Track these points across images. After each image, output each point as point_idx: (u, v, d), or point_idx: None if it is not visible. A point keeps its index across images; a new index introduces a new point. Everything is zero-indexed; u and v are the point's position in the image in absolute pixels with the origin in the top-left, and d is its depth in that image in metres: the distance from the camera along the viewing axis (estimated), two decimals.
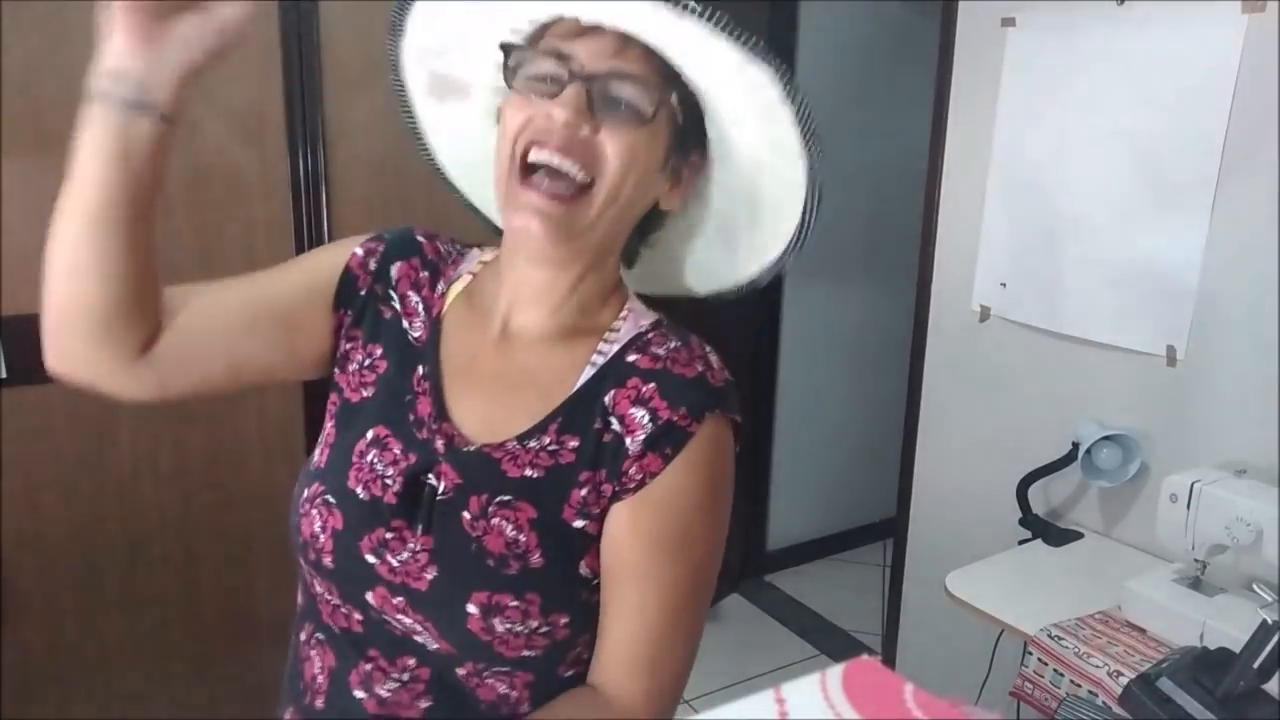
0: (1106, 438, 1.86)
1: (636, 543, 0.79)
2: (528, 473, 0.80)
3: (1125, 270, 1.86)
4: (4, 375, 1.73)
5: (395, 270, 0.88)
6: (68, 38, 1.68)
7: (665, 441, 0.79)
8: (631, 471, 0.79)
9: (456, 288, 0.89)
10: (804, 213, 0.82)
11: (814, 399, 3.42)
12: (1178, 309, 1.78)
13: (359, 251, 0.88)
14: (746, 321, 3.21)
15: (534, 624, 0.78)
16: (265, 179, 1.90)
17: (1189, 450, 1.78)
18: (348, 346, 0.88)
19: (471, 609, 0.77)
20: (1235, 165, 1.67)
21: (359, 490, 0.81)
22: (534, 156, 0.75)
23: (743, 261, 0.90)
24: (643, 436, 0.79)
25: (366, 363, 0.87)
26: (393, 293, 0.88)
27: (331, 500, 0.82)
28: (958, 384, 2.25)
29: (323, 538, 0.81)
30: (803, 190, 0.81)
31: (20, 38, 1.64)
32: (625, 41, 0.75)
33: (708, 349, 0.86)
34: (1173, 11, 1.72)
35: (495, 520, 0.79)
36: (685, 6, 0.69)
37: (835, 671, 0.32)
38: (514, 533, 0.78)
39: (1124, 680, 1.31)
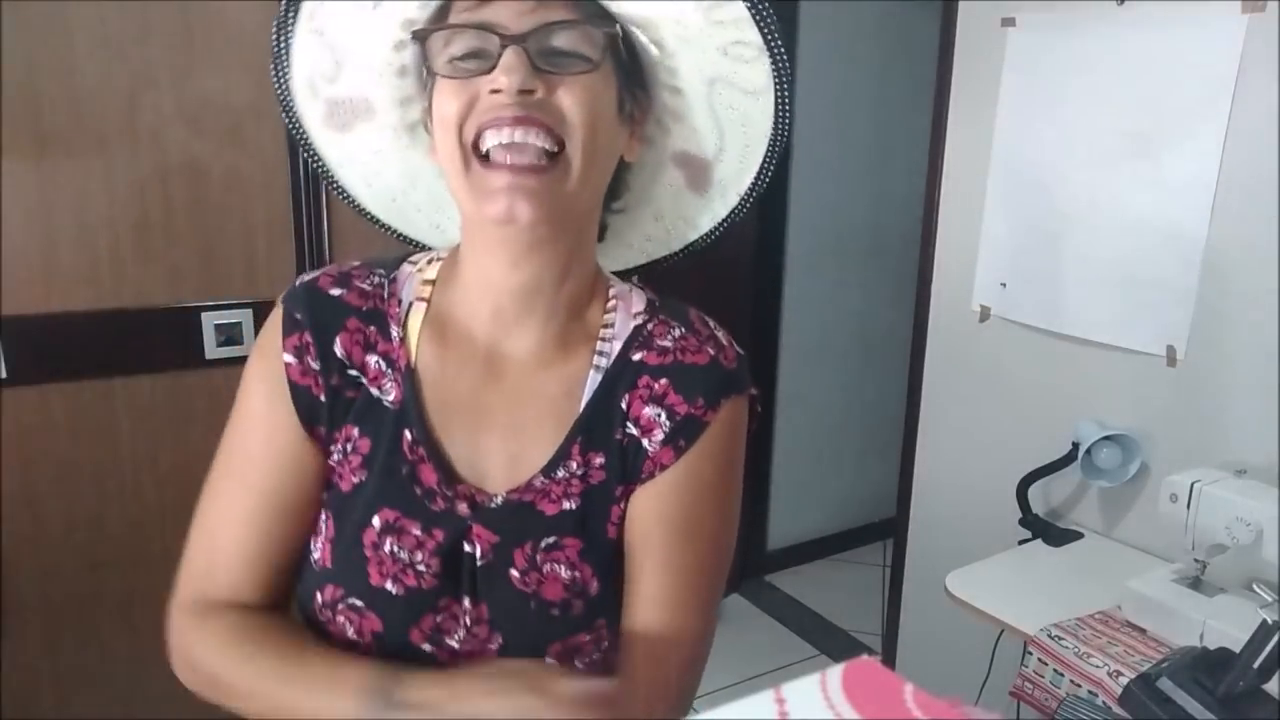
0: (1106, 438, 1.86)
1: (648, 531, 0.77)
2: (566, 506, 0.76)
3: (1125, 270, 1.86)
4: (4, 375, 1.73)
5: (338, 347, 0.76)
6: (68, 38, 1.67)
7: (681, 435, 0.76)
8: (645, 466, 0.76)
9: (414, 324, 0.78)
10: (777, 113, 0.77)
11: (814, 399, 3.42)
12: (1178, 309, 1.78)
13: (289, 360, 0.76)
14: (746, 321, 3.21)
15: (605, 645, 0.77)
16: (265, 179, 1.90)
17: (1189, 450, 1.78)
18: (330, 446, 0.78)
19: (550, 661, 0.75)
20: (1235, 165, 1.67)
21: (389, 585, 0.74)
22: (489, 141, 0.68)
23: (716, 198, 0.85)
24: (660, 436, 0.76)
25: (348, 448, 0.77)
26: (350, 371, 0.77)
27: (358, 603, 0.75)
28: (958, 384, 2.25)
29: (363, 643, 0.75)
30: (771, 90, 0.75)
31: (20, 38, 1.64)
32: None
33: (712, 325, 0.82)
34: (1173, 11, 1.72)
35: (547, 567, 0.75)
36: None
37: (835, 671, 0.32)
38: (569, 572, 0.75)
39: (1124, 680, 1.31)
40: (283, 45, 0.77)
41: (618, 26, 0.71)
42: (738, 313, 3.18)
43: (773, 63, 0.73)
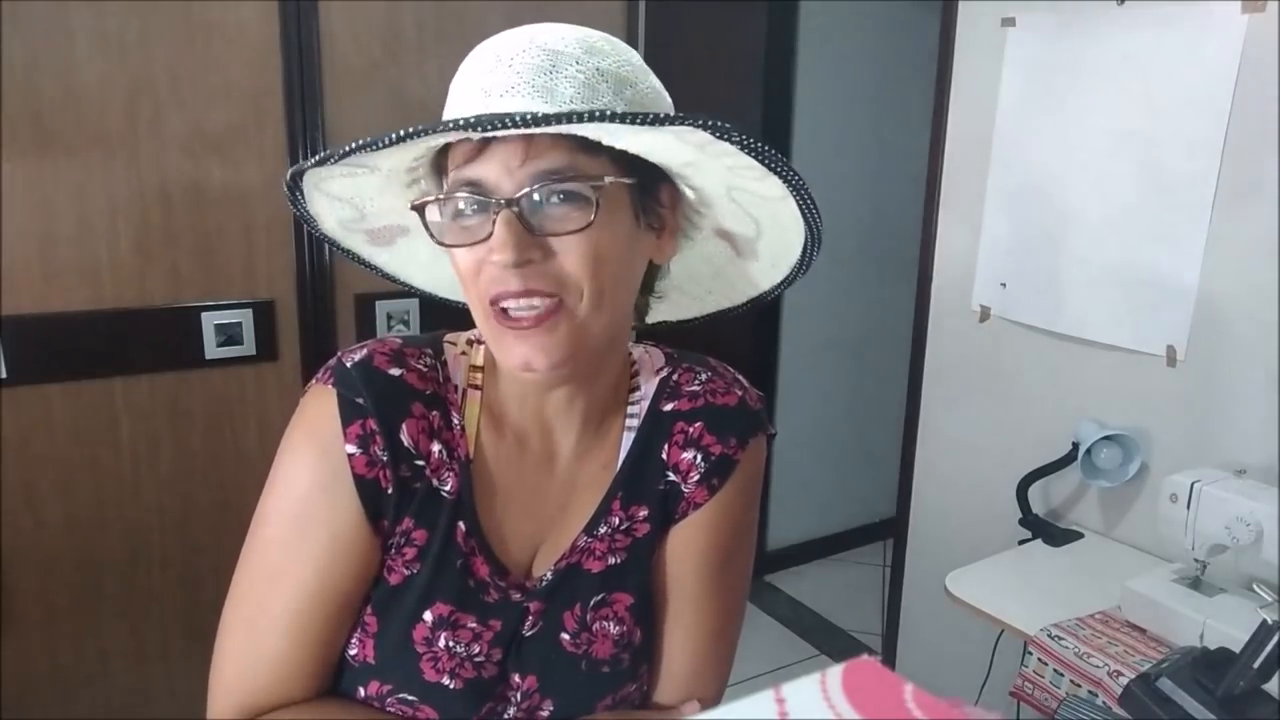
0: (1106, 438, 1.86)
1: (684, 568, 0.80)
2: (611, 561, 0.78)
3: (1125, 270, 1.86)
4: (4, 375, 1.73)
5: (405, 435, 0.73)
6: (68, 38, 1.67)
7: (715, 474, 0.80)
8: (681, 506, 0.80)
9: (471, 413, 0.77)
10: (804, 213, 0.72)
11: (814, 399, 3.42)
12: (1178, 309, 1.78)
13: (353, 451, 0.72)
14: (746, 321, 3.21)
15: (645, 689, 0.80)
16: (265, 179, 1.90)
17: (1189, 450, 1.78)
18: (389, 540, 0.76)
19: (601, 716, 0.77)
20: (1235, 165, 1.67)
21: (446, 680, 0.73)
22: (503, 305, 0.68)
23: (768, 265, 0.82)
24: (696, 477, 0.79)
25: (401, 541, 0.74)
26: (418, 461, 0.74)
27: (411, 698, 0.74)
28: (958, 384, 2.25)
29: None
30: (790, 197, 0.70)
31: (20, 38, 1.64)
32: (529, 137, 0.65)
33: (731, 369, 0.86)
34: (1173, 12, 1.72)
35: (597, 625, 0.77)
36: (572, 118, 0.59)
37: (835, 671, 0.32)
38: (618, 628, 0.77)
39: (1124, 680, 1.31)
40: (301, 209, 0.77)
41: (606, 178, 0.66)
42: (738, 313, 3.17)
43: (783, 180, 0.67)
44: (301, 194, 0.76)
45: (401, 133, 0.61)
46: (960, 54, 2.15)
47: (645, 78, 0.72)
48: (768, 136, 3.06)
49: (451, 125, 0.60)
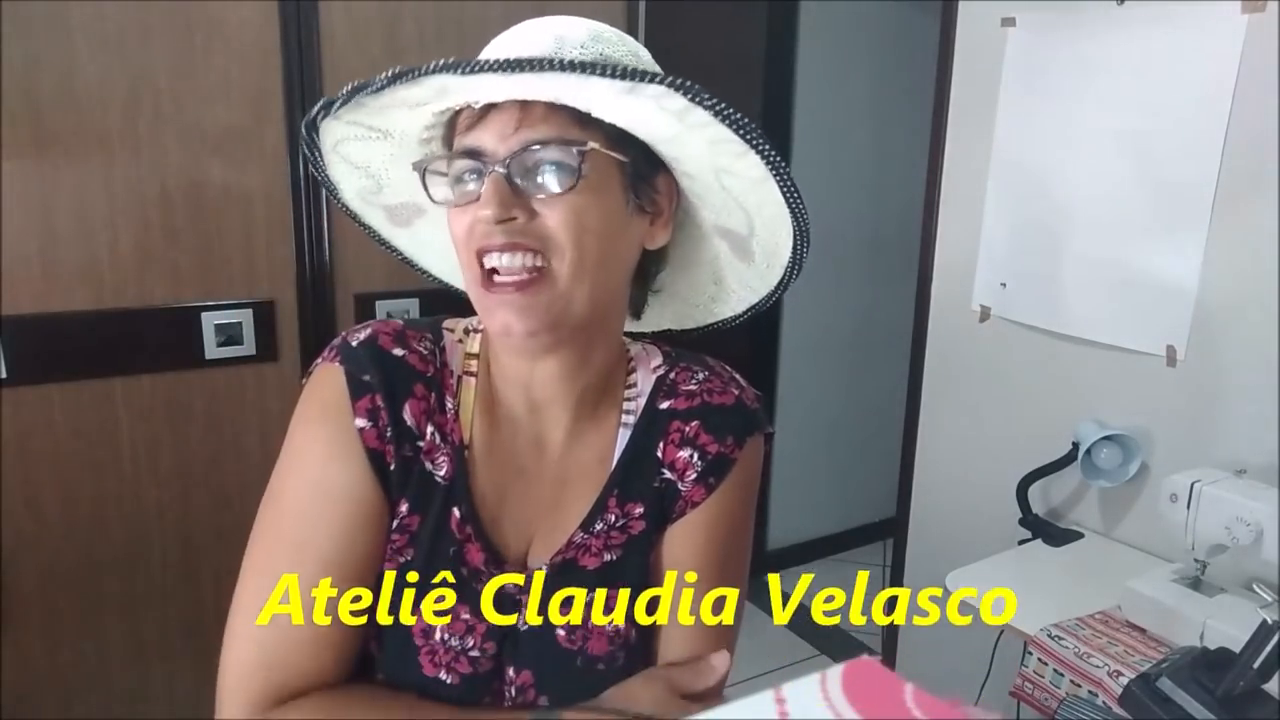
0: (1106, 438, 1.86)
1: (680, 566, 0.80)
2: (607, 558, 0.78)
3: (1125, 270, 1.86)
4: (4, 375, 1.73)
5: (408, 415, 0.75)
6: (68, 37, 1.68)
7: (711, 473, 0.80)
8: (678, 505, 0.80)
9: (466, 399, 0.78)
10: (786, 198, 0.72)
11: (814, 399, 3.42)
12: (1178, 309, 1.77)
13: (363, 424, 0.73)
14: (746, 321, 3.20)
15: None
16: (265, 179, 1.90)
17: (1189, 450, 1.78)
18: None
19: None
20: (1235, 165, 1.67)
21: (443, 675, 0.74)
22: (486, 262, 0.70)
23: (763, 267, 0.82)
24: (693, 476, 0.80)
25: (395, 524, 0.75)
26: (419, 442, 0.75)
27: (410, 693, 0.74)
28: (958, 384, 2.25)
29: None
30: (770, 179, 0.71)
31: (20, 38, 1.64)
32: (524, 105, 0.68)
33: (729, 369, 0.86)
34: (1173, 12, 1.72)
35: (592, 622, 0.77)
36: (549, 65, 0.61)
37: (835, 671, 0.32)
38: (613, 625, 0.77)
39: (1124, 680, 1.31)
40: (321, 174, 0.81)
41: (590, 144, 0.69)
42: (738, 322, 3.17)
43: (760, 158, 0.68)
44: (321, 157, 0.79)
45: (386, 75, 0.65)
46: (960, 54, 2.15)
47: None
48: (767, 136, 3.06)
49: (424, 70, 0.63)
